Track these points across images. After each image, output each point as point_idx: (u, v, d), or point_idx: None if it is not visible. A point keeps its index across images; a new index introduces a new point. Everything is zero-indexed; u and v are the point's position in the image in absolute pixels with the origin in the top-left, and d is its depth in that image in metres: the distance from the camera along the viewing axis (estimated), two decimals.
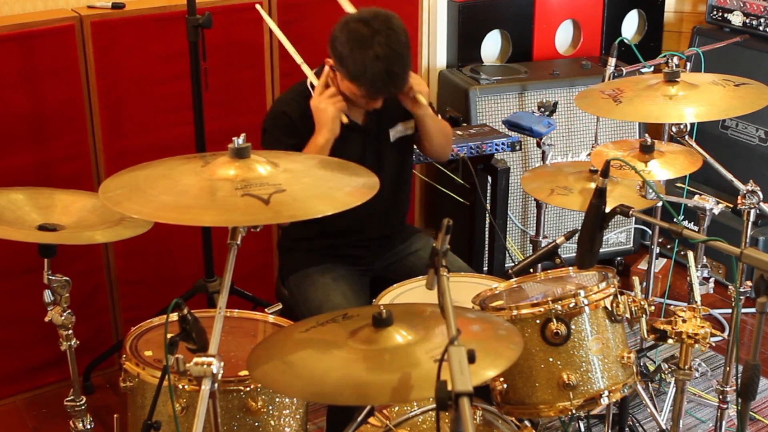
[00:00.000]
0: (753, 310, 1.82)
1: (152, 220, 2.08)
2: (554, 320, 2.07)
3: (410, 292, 2.50)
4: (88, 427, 2.43)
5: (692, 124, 2.81)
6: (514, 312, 2.10)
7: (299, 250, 2.82)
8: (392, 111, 2.74)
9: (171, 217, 1.79)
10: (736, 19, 4.10)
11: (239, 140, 1.90)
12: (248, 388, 2.00)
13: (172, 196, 1.85)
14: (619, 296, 2.15)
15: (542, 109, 3.44)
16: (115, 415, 2.24)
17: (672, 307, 2.18)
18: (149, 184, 1.91)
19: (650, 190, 2.60)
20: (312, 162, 2.13)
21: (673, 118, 2.61)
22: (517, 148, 3.49)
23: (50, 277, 2.24)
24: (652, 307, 2.16)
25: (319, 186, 1.98)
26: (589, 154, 3.26)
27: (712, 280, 2.97)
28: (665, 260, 4.04)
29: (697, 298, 2.18)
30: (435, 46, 4.07)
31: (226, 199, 1.81)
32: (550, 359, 2.09)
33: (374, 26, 2.46)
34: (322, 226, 2.74)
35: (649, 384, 3.17)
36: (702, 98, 2.58)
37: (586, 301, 2.10)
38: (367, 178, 2.01)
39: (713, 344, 2.05)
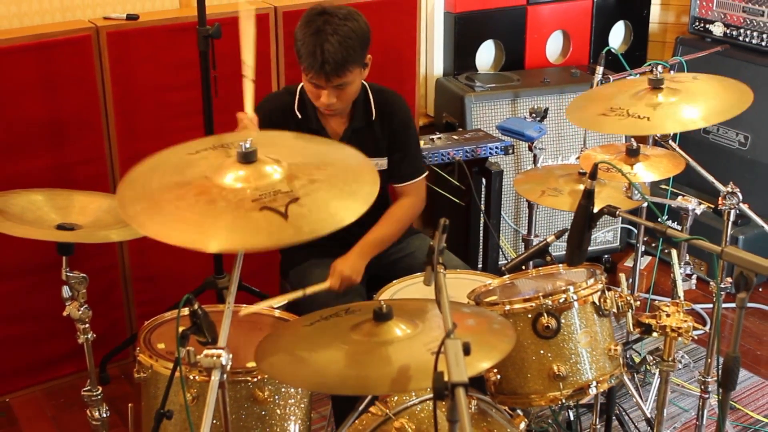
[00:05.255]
0: (733, 305, 1.81)
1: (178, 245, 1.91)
2: (545, 315, 2.07)
3: (409, 288, 2.50)
4: (104, 415, 2.43)
5: None
6: (507, 307, 2.10)
7: (297, 249, 2.81)
8: (373, 143, 2.70)
9: (196, 241, 1.68)
10: (717, 29, 4.10)
11: (246, 144, 1.86)
12: (255, 379, 2.00)
13: (194, 215, 1.70)
14: (606, 292, 2.15)
15: (534, 115, 3.44)
16: (130, 405, 2.24)
17: (656, 302, 2.18)
18: (165, 196, 1.76)
19: (636, 192, 2.60)
20: (312, 155, 2.00)
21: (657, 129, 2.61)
22: (510, 151, 3.49)
23: (68, 273, 2.24)
24: (638, 302, 2.16)
25: (330, 188, 1.81)
26: (578, 158, 3.26)
27: (694, 276, 2.97)
28: (650, 258, 4.04)
29: (680, 293, 2.18)
30: (432, 55, 4.07)
31: (247, 216, 1.66)
32: (541, 351, 2.09)
33: (326, 14, 2.47)
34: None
35: (635, 375, 3.17)
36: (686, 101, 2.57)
37: (575, 297, 2.10)
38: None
39: (695, 337, 2.05)
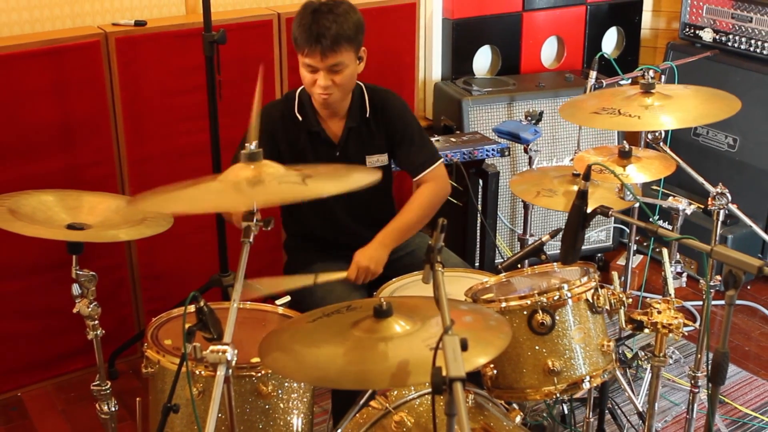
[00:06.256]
0: (722, 302, 1.82)
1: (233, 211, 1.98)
2: (540, 311, 2.07)
3: (408, 285, 2.50)
4: (113, 409, 2.43)
5: (666, 132, 2.81)
6: (503, 304, 2.10)
7: (303, 251, 2.81)
8: (371, 140, 2.70)
9: (241, 202, 1.83)
10: (707, 35, 4.10)
11: (251, 146, 1.89)
12: (259, 374, 2.00)
13: (215, 192, 1.83)
14: (599, 289, 2.15)
15: (529, 118, 3.44)
16: (138, 399, 2.24)
17: (648, 299, 2.19)
18: (179, 189, 1.86)
19: (628, 192, 2.60)
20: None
21: (647, 126, 2.61)
22: (506, 153, 3.49)
23: (78, 272, 2.24)
24: (630, 300, 2.16)
25: (336, 173, 2.00)
26: (572, 159, 3.26)
27: (684, 274, 2.97)
28: (642, 256, 4.04)
29: (671, 291, 2.18)
30: (431, 60, 4.07)
31: (271, 185, 1.81)
32: (536, 347, 2.09)
33: (321, 2, 2.49)
34: (321, 231, 2.74)
35: (627, 370, 3.17)
36: (675, 107, 2.58)
37: (569, 294, 2.10)
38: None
39: (686, 333, 2.05)
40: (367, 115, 2.69)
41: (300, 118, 2.65)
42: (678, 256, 2.91)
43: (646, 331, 2.09)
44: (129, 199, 1.89)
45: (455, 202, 3.47)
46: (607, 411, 2.74)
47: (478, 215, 3.49)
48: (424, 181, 2.73)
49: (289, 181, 1.83)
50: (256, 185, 1.80)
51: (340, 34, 2.46)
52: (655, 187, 3.84)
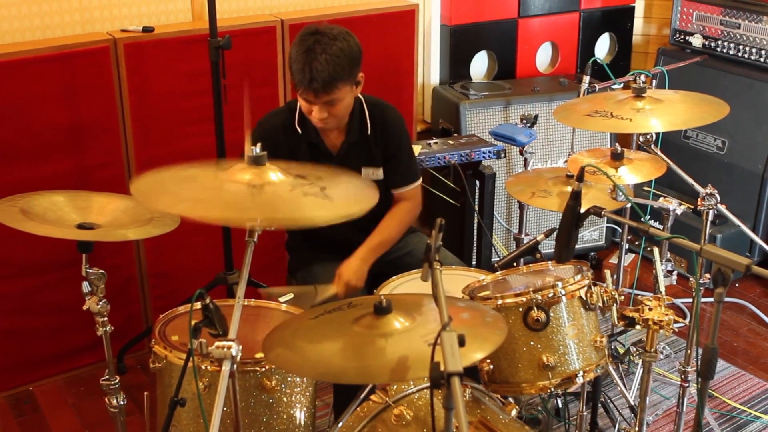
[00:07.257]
0: (711, 299, 1.81)
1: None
2: (535, 308, 2.07)
3: (407, 283, 2.50)
4: (121, 403, 2.43)
5: (657, 135, 2.81)
6: (500, 301, 2.10)
7: (303, 250, 2.81)
8: (366, 153, 2.68)
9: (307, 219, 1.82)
10: (697, 41, 4.10)
11: (256, 149, 1.89)
12: (263, 369, 2.00)
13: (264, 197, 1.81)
14: (592, 287, 2.15)
15: (524, 121, 3.44)
16: (146, 393, 2.24)
17: (639, 296, 2.18)
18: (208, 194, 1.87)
19: (620, 193, 2.60)
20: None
21: (638, 128, 2.61)
22: (502, 155, 3.49)
23: (88, 270, 2.24)
24: (622, 297, 2.16)
25: (344, 184, 1.98)
26: (566, 161, 3.26)
27: (675, 272, 2.97)
28: (633, 255, 4.04)
29: (662, 288, 2.18)
30: (429, 65, 4.07)
31: (299, 198, 1.80)
32: (531, 343, 2.09)
33: (318, 34, 2.43)
34: (321, 231, 2.73)
35: (619, 365, 3.17)
36: (665, 111, 2.58)
37: (563, 292, 2.10)
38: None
39: (676, 330, 2.04)
40: (368, 132, 2.66)
41: (300, 131, 2.64)
42: (668, 255, 2.91)
43: (638, 327, 2.09)
44: (133, 181, 1.88)
45: (453, 202, 3.47)
46: (599, 405, 2.75)
47: (475, 215, 3.49)
48: (403, 197, 2.75)
49: (309, 192, 1.81)
50: (263, 192, 1.79)
51: (333, 76, 2.41)
52: (646, 188, 3.84)
